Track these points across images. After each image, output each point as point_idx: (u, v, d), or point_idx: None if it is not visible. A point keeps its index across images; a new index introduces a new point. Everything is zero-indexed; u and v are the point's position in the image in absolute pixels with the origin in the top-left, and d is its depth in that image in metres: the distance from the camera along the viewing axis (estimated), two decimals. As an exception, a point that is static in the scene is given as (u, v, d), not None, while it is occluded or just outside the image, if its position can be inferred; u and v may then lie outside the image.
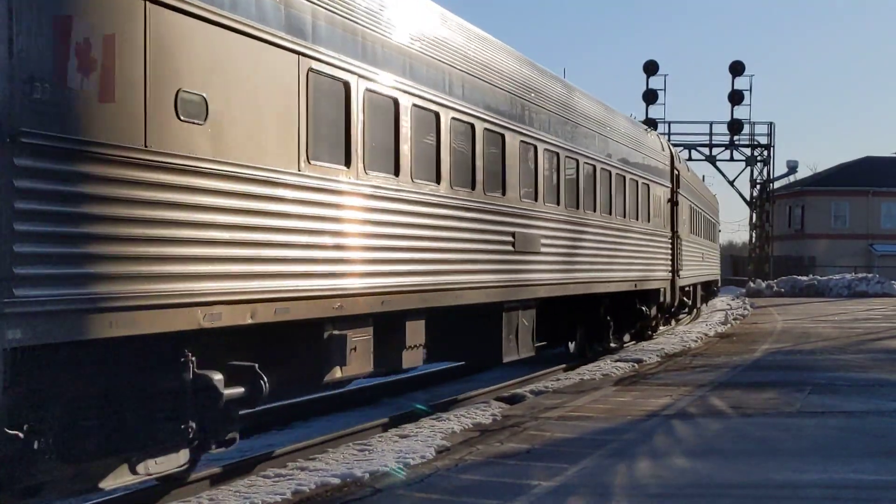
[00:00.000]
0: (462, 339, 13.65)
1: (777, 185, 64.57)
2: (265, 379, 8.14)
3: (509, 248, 13.54)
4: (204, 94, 7.39)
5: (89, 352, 6.74)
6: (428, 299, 11.13)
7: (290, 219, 8.45)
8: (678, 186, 25.80)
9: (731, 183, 61.20)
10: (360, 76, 9.62)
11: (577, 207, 16.69)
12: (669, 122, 58.54)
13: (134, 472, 7.36)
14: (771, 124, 59.72)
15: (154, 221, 6.92)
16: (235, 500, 7.80)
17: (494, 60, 13.38)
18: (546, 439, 10.16)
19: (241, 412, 8.23)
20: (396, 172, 10.35)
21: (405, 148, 10.53)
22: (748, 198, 61.49)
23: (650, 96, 57.99)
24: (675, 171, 25.59)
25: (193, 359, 7.53)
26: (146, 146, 6.84)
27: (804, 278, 54.20)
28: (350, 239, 9.44)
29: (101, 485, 7.21)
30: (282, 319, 8.37)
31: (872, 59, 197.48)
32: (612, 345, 21.12)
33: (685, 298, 28.60)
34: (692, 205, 30.25)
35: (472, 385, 16.43)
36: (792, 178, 71.81)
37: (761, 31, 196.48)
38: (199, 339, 7.64)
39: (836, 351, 20.25)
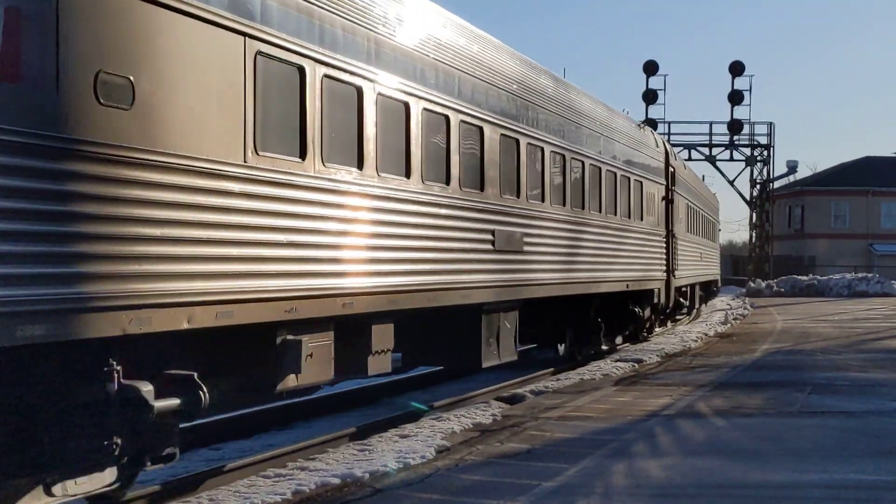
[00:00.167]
0: (439, 343, 12.99)
1: (777, 184, 64.51)
2: (204, 389, 7.41)
3: (489, 246, 12.84)
4: (130, 77, 6.64)
5: None
6: (397, 301, 10.36)
7: (235, 214, 7.70)
8: (673, 184, 25.09)
9: (731, 183, 61.17)
10: (318, 61, 8.85)
11: (565, 205, 15.95)
12: (669, 122, 58.51)
13: (50, 493, 6.69)
14: (771, 124, 59.71)
15: (66, 215, 6.21)
16: (235, 500, 7.74)
17: (462, 43, 12.43)
18: (546, 439, 10.11)
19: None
20: (360, 165, 9.61)
21: (369, 139, 9.78)
22: (748, 198, 61.40)
23: (650, 96, 57.90)
24: (671, 169, 24.86)
25: (119, 368, 6.79)
26: (58, 132, 6.12)
27: (804, 278, 54.19)
28: (305, 236, 8.70)
29: None
30: (225, 324, 7.64)
31: (872, 59, 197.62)
32: (604, 347, 20.40)
33: (682, 299, 27.94)
34: (689, 203, 29.57)
35: (472, 385, 16.42)
36: (792, 178, 71.89)
37: (761, 31, 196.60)
38: (128, 346, 6.93)
39: (836, 351, 20.21)
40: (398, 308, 10.46)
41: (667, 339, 23.87)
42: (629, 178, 20.09)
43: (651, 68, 58.14)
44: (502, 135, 13.28)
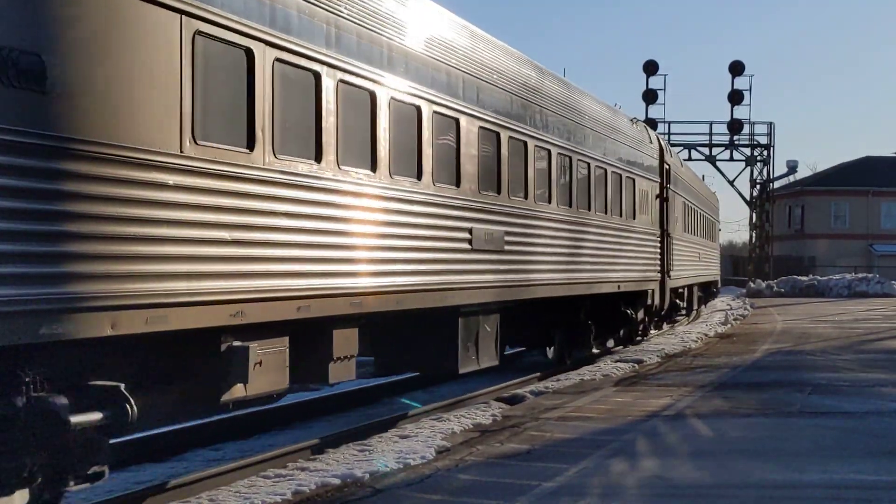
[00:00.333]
0: (413, 348, 12.16)
1: (777, 185, 64.41)
2: (132, 402, 6.74)
3: (466, 246, 12.02)
4: (43, 56, 5.95)
5: None
6: (361, 304, 9.62)
7: (170, 208, 6.99)
8: (669, 182, 24.20)
9: (731, 183, 61.05)
10: (269, 44, 8.12)
11: (551, 202, 15.12)
12: (669, 122, 58.37)
13: None
14: (771, 124, 59.59)
15: None
16: (235, 500, 7.69)
17: (434, 29, 11.59)
18: (546, 440, 10.07)
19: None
20: (318, 157, 8.88)
21: (329, 130, 9.05)
22: (748, 198, 61.29)
23: (650, 96, 57.82)
24: (666, 166, 23.98)
25: (28, 379, 6.12)
26: None
27: (804, 278, 54.22)
28: (253, 233, 7.96)
29: None
30: (158, 330, 6.93)
31: (873, 59, 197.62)
32: (595, 350, 19.58)
33: (678, 301, 27.20)
34: (686, 202, 28.80)
35: (472, 385, 16.43)
36: (792, 178, 71.83)
37: (761, 31, 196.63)
38: (44, 355, 6.25)
39: (836, 351, 20.17)
40: (362, 312, 9.77)
41: (667, 340, 23.82)
42: (621, 175, 19.27)
43: (651, 68, 58.06)
44: (481, 127, 12.51)
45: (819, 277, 55.07)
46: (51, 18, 6.10)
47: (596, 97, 19.19)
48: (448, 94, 11.59)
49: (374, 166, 9.87)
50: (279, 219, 8.29)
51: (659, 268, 22.62)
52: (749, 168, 60.37)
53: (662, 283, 22.95)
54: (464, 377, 17.72)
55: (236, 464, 9.51)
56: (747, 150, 59.75)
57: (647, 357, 19.00)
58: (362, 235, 9.67)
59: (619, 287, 18.97)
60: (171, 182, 7.01)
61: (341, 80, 9.23)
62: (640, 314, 21.70)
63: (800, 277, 54.62)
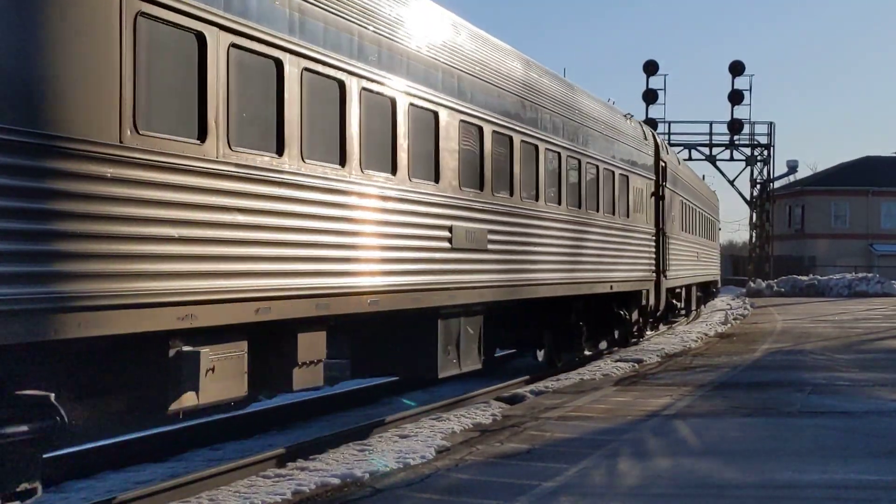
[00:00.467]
0: (391, 351, 11.60)
1: (777, 184, 64.29)
2: (62, 413, 6.26)
3: (445, 244, 11.45)
4: None
5: None
6: (328, 306, 9.08)
7: (107, 203, 6.48)
8: (665, 179, 23.62)
9: (732, 183, 60.93)
10: (223, 28, 7.54)
11: (537, 199, 14.51)
12: (669, 122, 58.24)
13: None
14: (771, 124, 59.44)
15: None
16: (235, 500, 7.66)
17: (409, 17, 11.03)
18: (546, 439, 10.05)
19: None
20: (279, 150, 8.36)
21: (292, 121, 8.51)
22: (748, 197, 61.16)
23: (650, 96, 57.73)
24: (662, 163, 23.39)
25: None
26: None
27: (804, 278, 54.19)
28: (205, 230, 7.43)
29: None
30: (92, 335, 6.36)
31: (873, 59, 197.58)
32: (587, 352, 18.82)
33: (675, 301, 26.67)
34: (684, 200, 28.23)
35: (472, 385, 16.43)
36: (792, 178, 71.76)
37: (761, 31, 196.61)
38: None
39: (836, 351, 20.12)
40: (330, 314, 9.19)
41: (667, 340, 23.77)
42: (614, 173, 18.66)
43: (651, 68, 57.96)
44: (462, 121, 12.00)
45: (819, 277, 55.03)
46: None
47: (589, 93, 18.65)
48: (426, 85, 11.02)
49: (343, 160, 9.33)
50: (234, 215, 7.75)
51: (654, 267, 22.03)
52: (749, 168, 60.32)
53: (658, 284, 22.40)
54: (464, 377, 17.82)
55: (236, 464, 9.48)
56: (747, 150, 59.68)
57: (647, 357, 18.95)
58: (329, 233, 9.12)
59: (611, 287, 18.41)
60: (108, 174, 6.50)
61: (307, 69, 8.70)
62: (635, 315, 21.11)
63: (800, 277, 54.58)
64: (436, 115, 11.29)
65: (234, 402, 8.34)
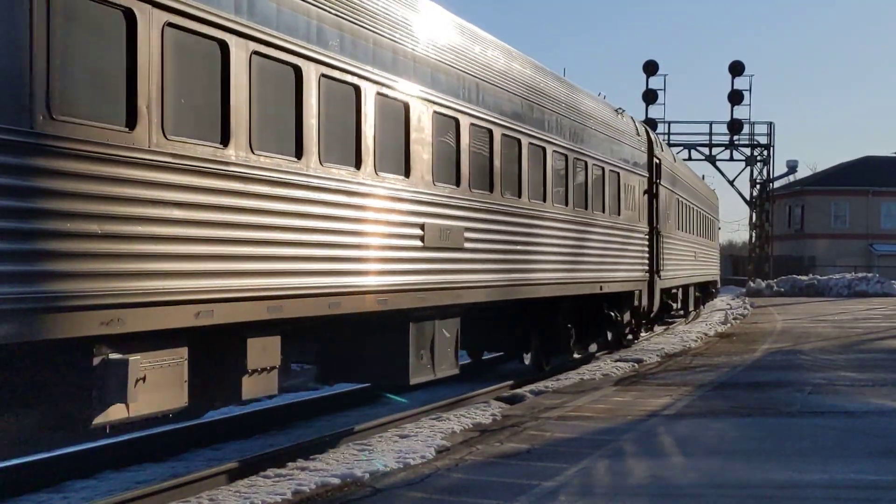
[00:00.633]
0: (359, 355, 10.95)
1: (777, 184, 64.28)
2: None
3: (417, 243, 10.78)
4: None
5: None
6: (281, 309, 8.41)
7: (15, 196, 5.98)
8: (659, 177, 22.95)
9: (731, 183, 60.87)
10: (156, 5, 7.02)
11: (520, 196, 13.77)
12: (669, 122, 58.20)
13: None
14: (771, 124, 59.39)
15: None
16: (235, 500, 7.66)
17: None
18: (546, 439, 10.06)
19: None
20: (224, 140, 7.73)
21: (239, 108, 7.87)
22: (748, 197, 61.18)
23: (650, 96, 57.68)
24: (656, 160, 22.67)
25: None
26: None
27: (804, 278, 54.18)
28: (136, 226, 6.81)
29: None
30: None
31: (873, 59, 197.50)
32: (576, 356, 18.17)
33: (671, 302, 26.06)
34: (680, 198, 27.58)
35: (472, 385, 16.42)
36: (792, 178, 71.80)
37: (761, 31, 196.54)
38: None
39: (835, 351, 20.15)
40: (283, 317, 8.56)
41: (666, 340, 23.77)
42: (603, 168, 17.95)
43: (651, 68, 57.91)
44: (436, 112, 11.34)
45: (819, 277, 55.02)
46: None
47: (575, 85, 17.79)
48: (394, 73, 10.37)
49: (299, 152, 8.70)
50: (169, 209, 7.13)
51: (647, 267, 21.42)
52: (749, 168, 60.28)
53: (651, 284, 21.77)
54: (465, 377, 17.79)
55: (236, 464, 9.50)
56: (747, 150, 59.65)
57: (647, 356, 18.96)
58: (283, 230, 8.46)
59: (601, 288, 17.75)
60: (12, 163, 5.97)
61: (256, 52, 8.10)
62: (627, 317, 20.42)
63: (800, 277, 54.58)
64: (406, 106, 10.70)
65: (172, 413, 7.73)
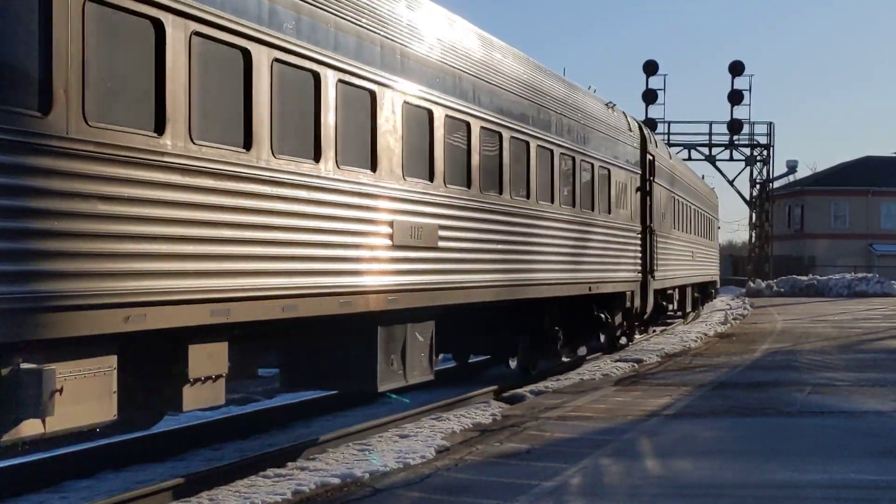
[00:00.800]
0: (324, 361, 10.33)
1: (777, 184, 64.36)
2: None
3: (385, 241, 10.05)
4: None
5: None
6: (229, 312, 7.67)
7: None
8: (652, 174, 22.05)
9: (731, 183, 60.92)
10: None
11: (501, 193, 12.96)
12: (669, 122, 58.33)
13: None
14: (770, 124, 59.46)
15: None
16: (235, 500, 7.67)
17: None
18: (546, 439, 10.06)
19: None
20: (159, 128, 7.02)
21: (177, 94, 7.19)
22: (748, 197, 61.25)
23: (650, 96, 57.71)
24: (649, 157, 21.82)
25: None
26: None
27: (804, 278, 54.20)
28: (50, 221, 6.13)
29: None
30: None
31: (873, 59, 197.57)
32: (565, 359, 17.38)
33: (666, 303, 25.16)
34: (676, 197, 26.57)
35: (472, 385, 16.42)
36: (791, 178, 71.85)
37: (761, 31, 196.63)
38: None
39: (835, 351, 20.13)
40: (231, 321, 7.84)
41: (666, 340, 23.77)
42: (593, 165, 17.20)
43: (651, 68, 57.95)
44: (407, 103, 10.65)
45: (819, 277, 55.04)
46: None
47: (565, 78, 17.21)
48: (359, 60, 9.56)
49: (248, 143, 7.96)
50: (91, 203, 6.41)
51: (640, 267, 20.62)
52: (749, 168, 60.33)
53: (645, 285, 20.90)
54: (465, 377, 17.79)
55: (236, 463, 9.50)
56: (747, 150, 59.71)
57: (647, 356, 18.95)
58: (231, 226, 7.72)
59: (589, 289, 16.95)
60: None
61: (196, 33, 7.32)
62: (618, 318, 19.62)
63: (799, 277, 54.60)
64: (372, 94, 9.97)
65: (99, 427, 7.05)
